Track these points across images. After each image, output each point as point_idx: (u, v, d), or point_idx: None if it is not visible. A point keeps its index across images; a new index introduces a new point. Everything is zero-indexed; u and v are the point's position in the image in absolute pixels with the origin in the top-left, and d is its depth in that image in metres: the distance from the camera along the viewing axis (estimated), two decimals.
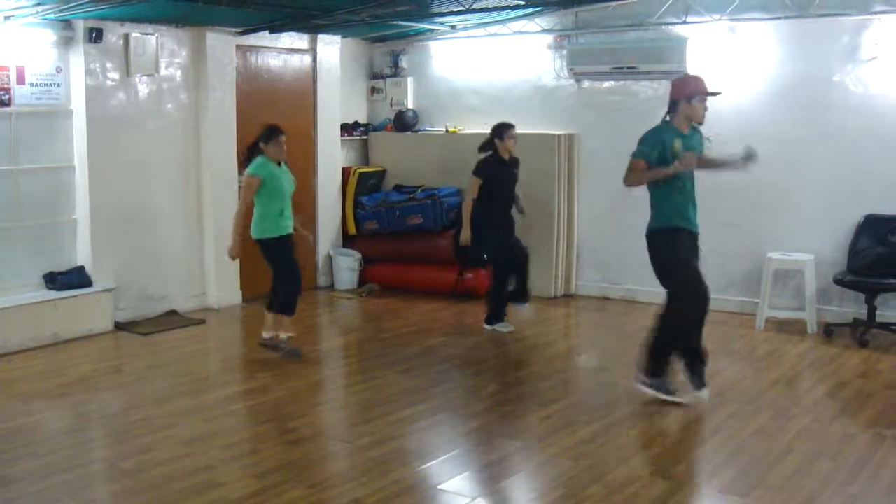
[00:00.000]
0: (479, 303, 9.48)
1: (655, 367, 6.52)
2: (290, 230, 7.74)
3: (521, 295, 8.85)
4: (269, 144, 7.58)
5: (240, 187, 9.64)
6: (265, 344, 7.89)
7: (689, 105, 6.33)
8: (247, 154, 7.77)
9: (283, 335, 7.85)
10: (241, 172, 9.72)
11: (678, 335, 6.48)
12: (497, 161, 8.62)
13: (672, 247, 6.38)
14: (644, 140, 6.39)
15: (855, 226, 8.64)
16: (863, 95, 8.62)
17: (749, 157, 6.48)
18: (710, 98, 6.41)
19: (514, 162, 8.75)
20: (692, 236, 6.46)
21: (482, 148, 8.68)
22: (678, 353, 6.53)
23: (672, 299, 6.43)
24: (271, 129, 7.64)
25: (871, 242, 8.44)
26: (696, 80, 6.44)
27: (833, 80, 8.75)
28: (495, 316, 8.80)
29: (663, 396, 6.47)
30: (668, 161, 6.25)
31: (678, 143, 6.29)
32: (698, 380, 6.51)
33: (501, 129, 8.63)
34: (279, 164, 7.67)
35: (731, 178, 8.86)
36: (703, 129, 6.63)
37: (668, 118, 6.47)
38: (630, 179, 6.42)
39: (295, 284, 7.77)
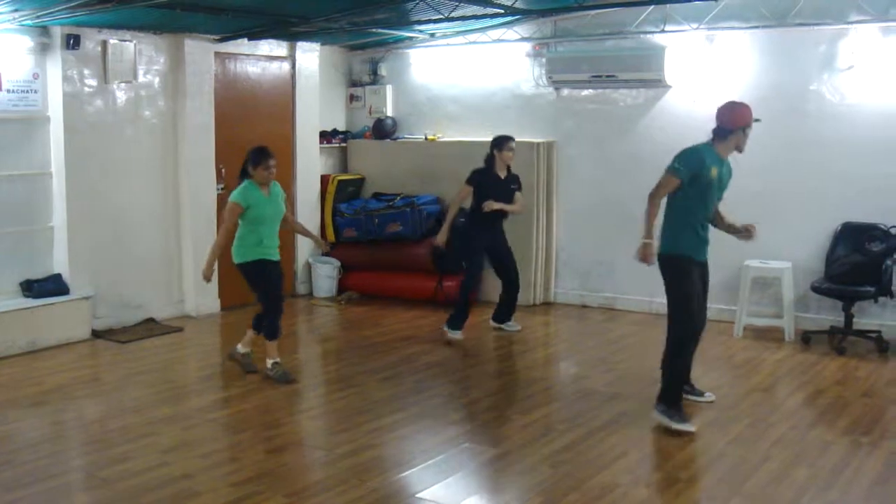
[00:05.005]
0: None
1: (667, 393, 6.41)
2: (271, 256, 7.45)
3: (508, 314, 9.09)
4: (258, 168, 7.29)
5: (218, 195, 9.73)
6: (234, 357, 7.75)
7: (744, 134, 6.28)
8: (239, 177, 7.44)
9: (241, 348, 7.71)
10: (219, 184, 9.80)
11: (681, 360, 6.42)
12: (490, 173, 8.68)
13: (681, 275, 6.28)
14: (682, 158, 6.20)
15: (832, 234, 8.69)
16: (839, 104, 8.69)
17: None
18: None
19: (513, 178, 8.79)
20: (700, 265, 6.38)
21: (485, 161, 8.78)
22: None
23: (672, 325, 6.36)
24: (258, 152, 7.36)
25: (849, 250, 8.50)
26: (748, 110, 6.32)
27: (810, 88, 8.81)
28: (458, 321, 8.74)
29: (674, 426, 6.25)
30: (703, 183, 6.17)
31: (715, 171, 6.21)
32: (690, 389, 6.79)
33: (500, 141, 8.73)
34: (268, 190, 7.41)
35: None
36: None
37: (712, 142, 6.31)
38: (658, 195, 6.25)
39: (274, 310, 7.51)
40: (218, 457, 5.85)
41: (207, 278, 7.42)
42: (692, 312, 6.27)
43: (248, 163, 7.38)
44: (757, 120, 6.34)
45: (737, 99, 8.95)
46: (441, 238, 8.80)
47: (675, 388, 6.36)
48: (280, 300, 7.61)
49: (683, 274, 6.27)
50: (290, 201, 10.66)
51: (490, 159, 8.72)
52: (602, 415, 6.56)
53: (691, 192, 6.19)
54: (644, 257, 6.25)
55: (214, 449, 6.00)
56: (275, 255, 7.51)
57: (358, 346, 8.73)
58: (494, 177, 8.70)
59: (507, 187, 8.75)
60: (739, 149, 6.33)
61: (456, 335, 8.70)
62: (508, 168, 8.78)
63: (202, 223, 9.67)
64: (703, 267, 6.45)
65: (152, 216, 9.43)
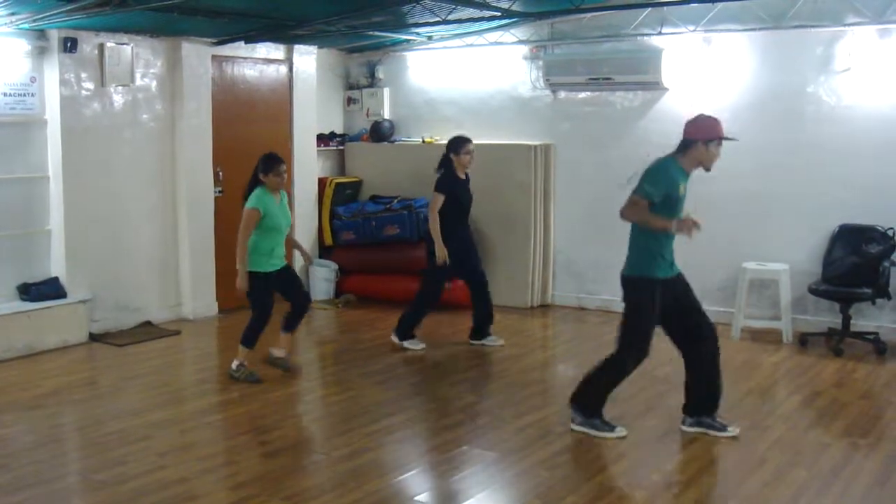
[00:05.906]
0: (455, 313, 9.48)
1: (589, 404, 6.22)
2: (280, 266, 7.52)
3: (488, 320, 8.71)
4: (269, 175, 7.32)
5: (216, 199, 9.72)
6: (274, 363, 7.72)
7: (706, 149, 5.84)
8: (248, 187, 7.44)
9: (276, 353, 7.72)
10: (217, 187, 9.79)
11: (618, 380, 6.17)
12: (455, 177, 8.35)
13: (645, 300, 5.95)
14: (651, 178, 5.86)
15: (829, 235, 8.69)
16: (836, 106, 8.69)
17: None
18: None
19: (468, 179, 8.49)
20: (669, 283, 6.00)
21: (440, 166, 8.41)
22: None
23: (620, 347, 6.06)
24: (269, 158, 7.39)
25: (846, 252, 8.50)
26: (715, 123, 5.91)
27: (807, 90, 8.81)
28: (408, 331, 8.60)
29: (602, 435, 6.14)
30: (672, 201, 5.85)
31: (683, 187, 5.90)
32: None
33: (457, 144, 8.34)
34: (279, 198, 7.48)
35: (708, 187, 8.94)
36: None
37: (676, 156, 5.95)
38: (628, 215, 5.92)
39: (262, 322, 7.51)
40: (215, 460, 5.85)
41: (243, 288, 7.38)
42: (644, 341, 5.97)
43: (258, 170, 7.40)
44: (729, 138, 5.97)
45: (734, 101, 9.05)
46: (442, 255, 8.26)
47: (597, 401, 6.18)
48: (269, 312, 7.57)
49: (645, 299, 5.94)
50: (289, 204, 10.65)
51: (447, 163, 8.36)
52: None
53: (660, 211, 5.84)
54: (682, 228, 5.79)
55: (212, 452, 6.00)
56: (282, 263, 7.57)
57: (355, 349, 8.72)
58: (459, 180, 8.37)
59: (468, 190, 8.48)
60: (705, 166, 5.95)
61: (417, 345, 8.54)
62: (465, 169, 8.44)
63: (200, 226, 9.66)
64: (677, 280, 6.07)
65: (150, 219, 9.42)
